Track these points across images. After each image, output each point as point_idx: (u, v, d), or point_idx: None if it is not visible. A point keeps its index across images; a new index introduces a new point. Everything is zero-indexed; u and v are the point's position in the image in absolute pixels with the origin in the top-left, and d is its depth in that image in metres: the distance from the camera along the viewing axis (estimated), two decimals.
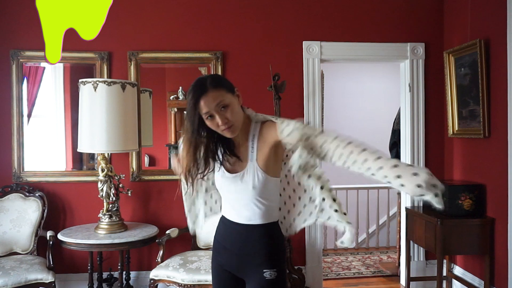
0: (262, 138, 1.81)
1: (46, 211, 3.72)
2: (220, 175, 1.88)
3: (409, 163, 4.02)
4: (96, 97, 3.35)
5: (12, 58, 3.85)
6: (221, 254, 1.94)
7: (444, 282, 4.00)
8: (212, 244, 2.03)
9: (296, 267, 3.95)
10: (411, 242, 4.03)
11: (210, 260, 2.09)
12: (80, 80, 3.44)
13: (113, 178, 3.58)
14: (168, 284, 3.32)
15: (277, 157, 1.84)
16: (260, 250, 1.85)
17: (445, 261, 4.04)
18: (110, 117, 3.36)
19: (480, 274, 3.66)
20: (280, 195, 1.95)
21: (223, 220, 1.96)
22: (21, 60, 3.86)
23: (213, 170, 1.88)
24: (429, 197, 1.42)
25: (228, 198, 1.91)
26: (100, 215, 3.54)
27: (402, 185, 1.45)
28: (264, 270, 1.83)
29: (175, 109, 4.19)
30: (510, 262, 3.27)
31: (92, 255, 3.65)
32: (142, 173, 3.99)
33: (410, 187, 1.43)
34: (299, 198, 1.93)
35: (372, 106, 6.59)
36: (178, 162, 1.88)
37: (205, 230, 2.12)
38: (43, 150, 4.00)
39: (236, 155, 1.85)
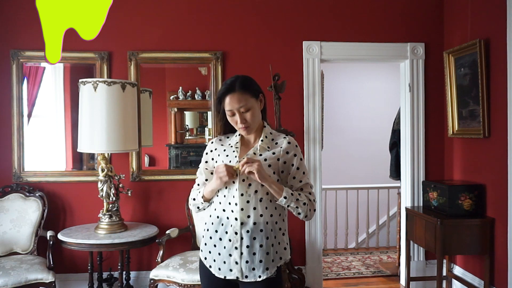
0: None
1: (46, 211, 3.72)
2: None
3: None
4: (96, 97, 3.35)
5: (12, 58, 3.85)
6: None
7: (444, 282, 4.00)
8: None
9: (296, 267, 3.95)
10: (411, 242, 4.03)
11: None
12: (80, 80, 3.45)
13: (113, 178, 3.59)
14: (168, 284, 3.32)
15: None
16: None
17: (445, 261, 4.05)
18: (110, 117, 3.36)
19: (480, 274, 3.66)
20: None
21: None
22: (21, 60, 3.86)
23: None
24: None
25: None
26: (100, 215, 3.54)
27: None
28: None
29: (175, 109, 4.19)
30: (510, 262, 3.27)
31: (92, 255, 3.65)
32: (142, 173, 3.99)
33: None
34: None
35: (372, 106, 6.59)
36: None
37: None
38: (43, 150, 4.00)
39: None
